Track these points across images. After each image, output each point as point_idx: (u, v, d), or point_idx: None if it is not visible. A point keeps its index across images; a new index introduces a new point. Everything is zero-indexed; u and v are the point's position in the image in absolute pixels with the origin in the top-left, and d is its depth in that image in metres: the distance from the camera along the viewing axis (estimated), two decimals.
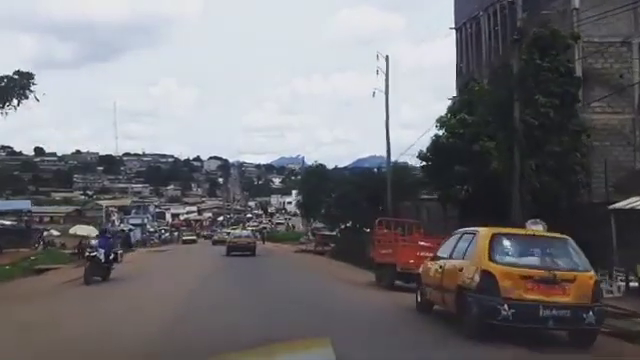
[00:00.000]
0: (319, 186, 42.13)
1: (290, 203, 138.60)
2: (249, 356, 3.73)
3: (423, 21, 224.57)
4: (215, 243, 56.42)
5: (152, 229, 71.64)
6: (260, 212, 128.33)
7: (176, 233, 75.43)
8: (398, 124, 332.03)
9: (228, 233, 55.85)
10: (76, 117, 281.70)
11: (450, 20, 35.36)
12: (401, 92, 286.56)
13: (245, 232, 49.67)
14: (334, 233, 46.90)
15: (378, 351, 8.20)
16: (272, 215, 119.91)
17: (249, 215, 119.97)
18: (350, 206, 37.41)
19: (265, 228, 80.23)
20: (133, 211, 71.34)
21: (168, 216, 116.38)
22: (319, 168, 43.95)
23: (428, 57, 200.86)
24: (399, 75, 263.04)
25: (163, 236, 73.45)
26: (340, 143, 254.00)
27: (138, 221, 65.11)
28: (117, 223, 67.20)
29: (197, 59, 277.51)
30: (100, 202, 79.10)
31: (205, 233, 70.94)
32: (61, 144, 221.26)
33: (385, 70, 32.40)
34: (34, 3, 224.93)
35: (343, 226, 43.45)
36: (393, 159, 33.90)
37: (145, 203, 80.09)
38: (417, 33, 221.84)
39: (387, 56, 32.69)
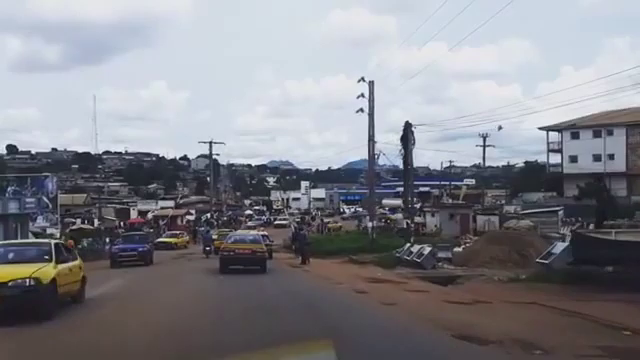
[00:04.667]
0: None
1: (298, 199, 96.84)
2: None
3: (415, 24, 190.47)
4: (207, 253, 29.37)
5: (54, 227, 28.22)
6: (262, 208, 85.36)
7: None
8: (387, 128, 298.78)
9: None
10: (65, 120, 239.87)
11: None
12: (391, 95, 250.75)
13: (250, 235, 23.62)
14: None
15: None
16: (279, 212, 77.20)
17: (248, 212, 77.03)
18: None
19: (305, 226, 36.70)
20: (10, 189, 28.34)
21: (134, 214, 73.81)
22: None
23: (419, 60, 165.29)
24: (389, 78, 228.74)
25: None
26: (330, 146, 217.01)
27: None
28: None
29: (187, 61, 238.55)
30: None
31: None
32: (48, 146, 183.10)
33: (369, 94, 30.54)
34: (19, 3, 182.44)
35: None
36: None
37: (39, 176, 36.17)
38: (409, 36, 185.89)
39: (372, 81, 30.88)
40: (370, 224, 31.93)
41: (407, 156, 26.46)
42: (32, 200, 26.70)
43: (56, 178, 33.10)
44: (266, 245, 22.16)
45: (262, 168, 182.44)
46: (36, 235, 27.95)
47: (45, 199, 29.19)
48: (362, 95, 32.11)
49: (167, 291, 13.88)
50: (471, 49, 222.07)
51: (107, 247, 32.80)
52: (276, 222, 59.27)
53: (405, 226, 29.74)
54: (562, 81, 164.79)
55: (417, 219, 47.82)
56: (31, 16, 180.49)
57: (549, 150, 60.23)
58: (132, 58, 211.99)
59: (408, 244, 23.69)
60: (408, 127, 26.25)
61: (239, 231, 30.13)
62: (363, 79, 32.07)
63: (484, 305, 10.98)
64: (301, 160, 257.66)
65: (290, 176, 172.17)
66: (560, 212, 40.31)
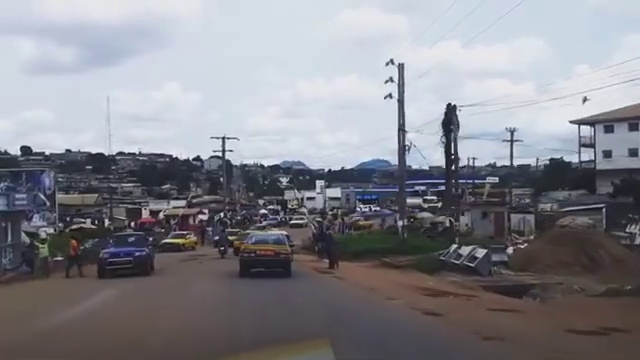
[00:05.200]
0: None
1: (312, 199, 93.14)
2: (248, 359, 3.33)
3: (427, 23, 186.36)
4: (222, 253, 27.04)
5: (51, 227, 24.72)
6: (277, 208, 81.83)
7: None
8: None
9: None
10: (79, 121, 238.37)
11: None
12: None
13: (273, 234, 22.22)
14: None
15: None
16: (294, 211, 73.73)
17: (263, 211, 73.59)
18: None
19: (331, 225, 32.93)
20: (2, 185, 24.98)
21: (145, 214, 70.95)
22: None
23: (431, 59, 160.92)
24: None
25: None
26: (342, 147, 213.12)
27: None
28: None
29: (198, 62, 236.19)
30: None
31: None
32: (63, 147, 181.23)
33: (398, 77, 27.48)
34: (31, 6, 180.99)
35: None
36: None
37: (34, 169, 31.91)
38: (420, 35, 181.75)
39: (401, 64, 27.73)
40: (400, 223, 28.20)
41: (450, 144, 22.64)
42: (23, 196, 23.17)
43: (53, 173, 29.34)
44: (290, 246, 18.98)
45: (275, 168, 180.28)
46: (30, 235, 24.65)
47: (42, 196, 25.79)
48: (391, 79, 28.46)
49: (158, 320, 9.88)
50: (483, 47, 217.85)
51: None
52: (292, 222, 55.64)
53: (448, 224, 25.95)
54: (577, 78, 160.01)
55: (442, 218, 44.18)
56: (44, 19, 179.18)
57: (581, 145, 55.89)
58: (144, 60, 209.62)
59: (454, 245, 19.95)
60: (451, 110, 22.42)
61: (260, 231, 27.13)
62: (392, 61, 28.42)
63: (628, 338, 7.30)
64: (313, 160, 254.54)
65: (303, 176, 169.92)
66: (603, 210, 36.43)
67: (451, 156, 22.40)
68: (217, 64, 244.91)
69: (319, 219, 41.73)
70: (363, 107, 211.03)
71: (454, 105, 22.44)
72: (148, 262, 19.30)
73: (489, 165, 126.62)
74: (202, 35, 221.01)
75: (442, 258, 19.48)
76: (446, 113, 22.20)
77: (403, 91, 28.16)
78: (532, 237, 32.56)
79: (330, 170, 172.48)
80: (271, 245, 17.64)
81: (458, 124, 22.40)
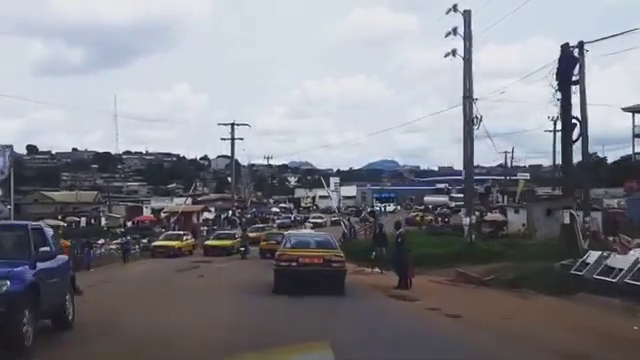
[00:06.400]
0: None
1: (326, 197, 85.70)
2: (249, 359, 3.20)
3: (435, 22, 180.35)
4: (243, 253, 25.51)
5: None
6: (290, 206, 74.72)
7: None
8: (408, 128, 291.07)
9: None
10: (88, 122, 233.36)
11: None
12: (411, 94, 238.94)
13: (317, 235, 15.32)
14: None
15: None
16: (308, 210, 66.63)
17: (274, 209, 66.54)
18: None
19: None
20: None
21: (146, 211, 64.28)
22: None
23: (439, 58, 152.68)
24: (410, 77, 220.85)
25: None
26: (350, 147, 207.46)
27: None
28: None
29: (207, 63, 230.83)
30: None
31: None
32: (71, 147, 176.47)
33: (464, 29, 20.81)
34: (42, 7, 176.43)
35: None
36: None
37: None
38: (430, 34, 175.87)
39: (467, 11, 20.93)
40: (467, 220, 20.90)
41: (568, 103, 14.85)
42: None
43: (10, 151, 21.57)
44: None
45: (283, 168, 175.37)
46: None
47: None
48: (453, 32, 21.21)
49: None
50: (493, 46, 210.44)
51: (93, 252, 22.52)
52: (310, 220, 48.45)
53: (567, 221, 18.52)
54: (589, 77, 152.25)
55: (491, 215, 36.92)
56: (52, 20, 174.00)
57: (634, 135, 48.59)
58: (152, 61, 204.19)
59: (593, 253, 12.59)
60: (570, 53, 14.43)
61: (302, 230, 20.79)
62: (455, 8, 21.17)
63: None
64: (320, 161, 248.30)
65: (312, 176, 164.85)
66: None
67: (571, 120, 14.91)
68: (225, 65, 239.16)
69: (348, 217, 34.47)
70: (372, 107, 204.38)
71: (580, 42, 14.70)
72: (21, 311, 6.16)
73: (500, 165, 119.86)
74: (210, 36, 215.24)
75: (577, 272, 12.18)
76: (560, 59, 14.50)
77: (470, 46, 20.89)
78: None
79: (339, 170, 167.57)
80: (317, 250, 12.40)
81: (583, 73, 14.81)
